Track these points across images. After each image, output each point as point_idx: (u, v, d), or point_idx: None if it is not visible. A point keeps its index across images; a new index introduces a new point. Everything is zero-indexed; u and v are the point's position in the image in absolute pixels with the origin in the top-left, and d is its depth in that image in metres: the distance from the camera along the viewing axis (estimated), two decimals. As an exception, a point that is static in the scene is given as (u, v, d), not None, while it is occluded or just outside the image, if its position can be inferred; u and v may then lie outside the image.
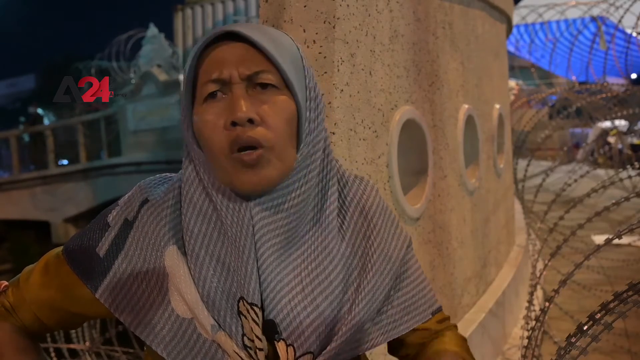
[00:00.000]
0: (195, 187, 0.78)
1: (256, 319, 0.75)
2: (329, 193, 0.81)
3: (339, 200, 0.84)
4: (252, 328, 0.75)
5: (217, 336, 0.75)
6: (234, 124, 0.72)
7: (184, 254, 0.77)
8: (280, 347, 0.75)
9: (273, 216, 0.76)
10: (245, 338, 0.75)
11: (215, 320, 0.75)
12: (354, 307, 0.78)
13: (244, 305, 0.75)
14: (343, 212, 0.84)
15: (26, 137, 14.51)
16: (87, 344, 3.55)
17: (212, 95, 0.74)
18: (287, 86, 0.76)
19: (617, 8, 11.88)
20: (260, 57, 0.74)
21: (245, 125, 0.72)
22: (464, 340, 0.92)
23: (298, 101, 0.77)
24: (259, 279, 0.75)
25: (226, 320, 0.75)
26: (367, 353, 0.88)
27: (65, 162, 14.14)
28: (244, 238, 0.75)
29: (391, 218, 0.88)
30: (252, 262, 0.75)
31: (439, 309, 0.91)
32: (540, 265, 3.29)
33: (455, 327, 0.94)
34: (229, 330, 0.75)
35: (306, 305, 0.76)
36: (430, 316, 0.89)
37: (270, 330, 0.75)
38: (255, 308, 0.74)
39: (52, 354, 3.44)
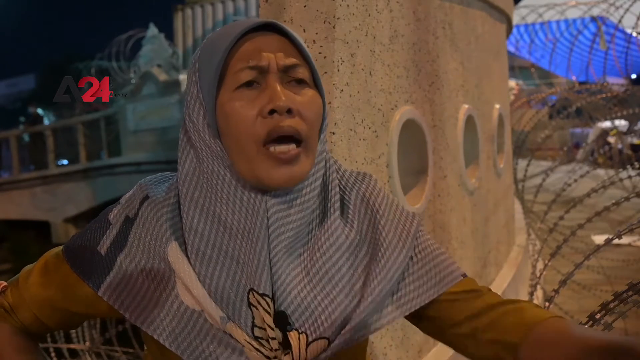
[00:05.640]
0: (196, 183, 0.77)
1: (268, 308, 0.75)
2: (330, 187, 0.82)
3: (341, 194, 0.84)
4: (263, 318, 0.74)
5: (227, 327, 0.75)
6: (272, 111, 0.72)
7: (185, 251, 0.77)
8: (293, 336, 0.75)
9: (287, 210, 0.76)
10: (255, 329, 0.75)
11: (224, 312, 0.75)
12: (366, 287, 0.78)
13: (254, 296, 0.75)
14: (346, 202, 0.84)
15: (26, 137, 14.50)
16: (87, 344, 3.56)
17: (247, 84, 0.74)
18: (315, 83, 0.78)
19: (617, 8, 11.88)
20: (295, 51, 0.76)
21: (283, 114, 0.72)
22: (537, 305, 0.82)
23: (323, 98, 0.78)
24: (270, 271, 0.75)
25: (235, 312, 0.75)
26: (368, 352, 0.88)
27: (65, 162, 14.14)
28: (258, 230, 0.74)
29: (394, 204, 0.87)
30: (264, 254, 0.75)
31: (460, 277, 0.84)
32: (540, 265, 3.29)
33: (490, 289, 0.85)
34: (238, 321, 0.75)
35: (316, 294, 0.76)
36: (450, 285, 0.82)
37: (282, 321, 0.75)
38: (266, 298, 0.75)
39: (52, 354, 3.44)
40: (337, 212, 0.81)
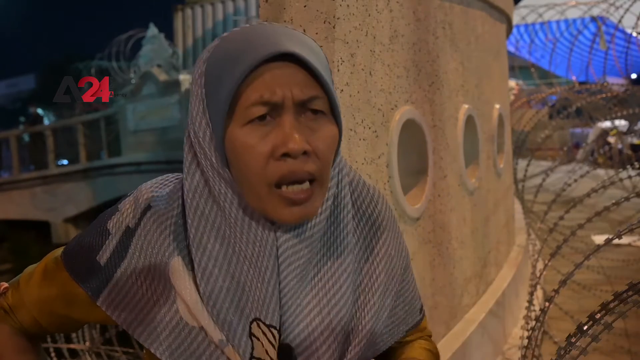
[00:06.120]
0: (206, 199, 0.74)
1: (273, 341, 0.73)
2: (342, 205, 0.79)
3: (352, 209, 0.83)
4: (266, 350, 0.73)
5: (226, 350, 0.74)
6: (285, 154, 0.68)
7: (189, 263, 0.75)
8: None
9: (298, 237, 0.74)
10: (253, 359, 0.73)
11: (223, 335, 0.73)
12: (361, 328, 0.78)
13: (258, 326, 0.73)
14: (355, 223, 0.83)
15: (26, 137, 14.51)
16: (87, 344, 3.56)
17: (260, 118, 0.69)
18: (332, 110, 0.74)
19: (617, 8, 11.86)
20: (312, 81, 0.70)
21: (297, 158, 0.68)
22: (430, 351, 0.91)
23: (340, 126, 0.75)
24: (280, 301, 0.73)
25: (235, 339, 0.73)
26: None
27: (65, 162, 14.13)
28: (267, 259, 0.72)
29: (397, 234, 0.87)
30: (273, 283, 0.73)
31: (417, 324, 0.90)
32: (540, 265, 3.29)
33: (429, 337, 0.94)
34: (236, 348, 0.73)
35: (322, 330, 0.75)
36: (404, 334, 0.88)
37: (286, 354, 0.73)
38: (273, 330, 0.73)
39: (52, 354, 3.44)
40: (350, 236, 0.80)
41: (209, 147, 0.72)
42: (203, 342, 0.74)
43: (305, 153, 0.69)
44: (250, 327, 0.73)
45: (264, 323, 0.73)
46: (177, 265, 0.75)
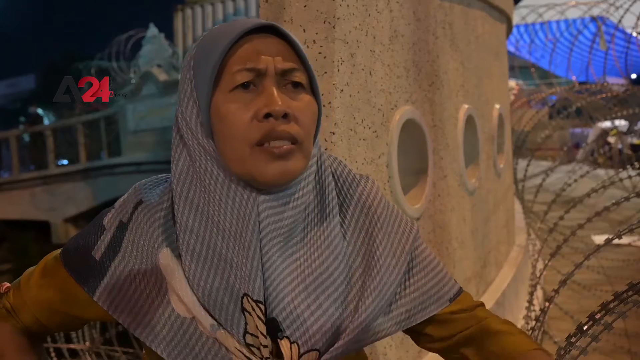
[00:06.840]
0: (190, 182, 0.76)
1: (261, 316, 0.74)
2: (327, 191, 0.81)
3: (338, 198, 0.83)
4: (257, 325, 0.74)
5: (217, 334, 0.74)
6: (267, 115, 0.72)
7: (178, 256, 0.76)
8: (284, 344, 0.74)
9: (279, 214, 0.75)
10: (247, 335, 0.74)
11: (214, 318, 0.74)
12: (360, 304, 0.77)
13: (249, 302, 0.74)
14: (344, 210, 0.83)
15: (26, 137, 14.52)
16: (87, 344, 3.56)
17: (243, 86, 0.73)
18: (312, 87, 0.78)
19: (617, 8, 11.87)
20: (293, 55, 0.76)
21: (278, 119, 0.72)
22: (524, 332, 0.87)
23: (319, 102, 0.78)
24: (263, 276, 0.75)
25: (227, 318, 0.74)
26: (368, 352, 0.88)
27: (65, 162, 14.15)
28: (250, 233, 0.74)
29: (394, 212, 0.87)
30: (257, 258, 0.74)
31: (458, 294, 0.88)
32: (540, 265, 3.29)
33: (483, 305, 0.91)
34: (230, 327, 0.74)
35: (309, 303, 0.75)
36: (448, 303, 0.86)
37: (273, 328, 0.74)
38: (260, 305, 0.74)
39: (52, 354, 3.44)
40: (337, 218, 0.81)
41: (195, 124, 0.76)
42: (195, 332, 0.75)
43: (286, 116, 0.72)
44: (241, 302, 0.74)
45: (251, 298, 0.74)
46: (166, 256, 0.76)
